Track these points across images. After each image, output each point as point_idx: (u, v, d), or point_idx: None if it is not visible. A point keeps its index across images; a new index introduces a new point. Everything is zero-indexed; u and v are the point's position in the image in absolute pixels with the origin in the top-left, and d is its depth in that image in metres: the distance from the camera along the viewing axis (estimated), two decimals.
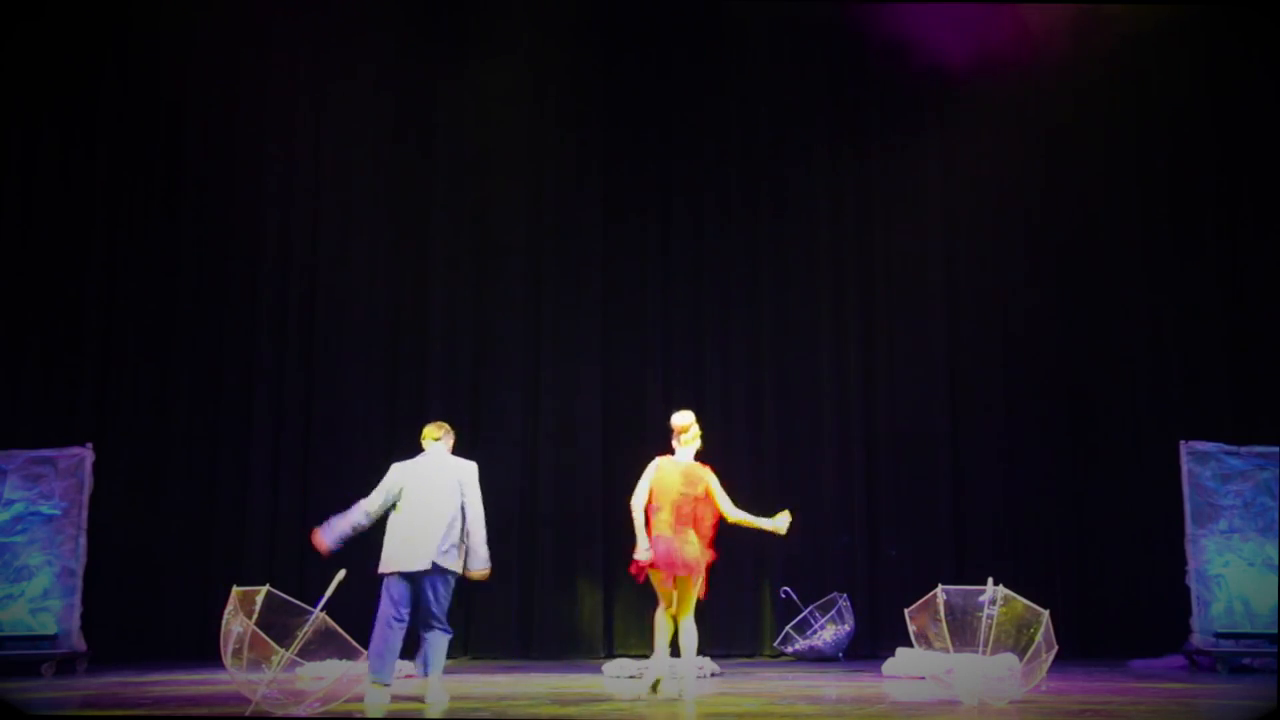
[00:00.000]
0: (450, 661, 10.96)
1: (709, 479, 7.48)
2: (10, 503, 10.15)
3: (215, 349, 11.84)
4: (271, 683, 6.29)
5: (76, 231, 11.63)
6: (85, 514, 10.20)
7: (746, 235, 12.21)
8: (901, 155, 12.16)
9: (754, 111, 12.32)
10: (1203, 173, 11.89)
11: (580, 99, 12.29)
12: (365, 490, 11.51)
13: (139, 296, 11.77)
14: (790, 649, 11.00)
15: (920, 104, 12.20)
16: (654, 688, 7.41)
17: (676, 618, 7.36)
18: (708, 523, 7.41)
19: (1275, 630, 9.46)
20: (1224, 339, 11.65)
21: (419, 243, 12.11)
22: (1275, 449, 10.15)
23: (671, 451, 7.60)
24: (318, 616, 6.38)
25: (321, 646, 6.44)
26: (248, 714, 6.32)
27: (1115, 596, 11.44)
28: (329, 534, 7.25)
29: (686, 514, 7.32)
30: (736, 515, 7.45)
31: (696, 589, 7.32)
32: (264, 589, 6.35)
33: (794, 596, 11.22)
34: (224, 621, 6.35)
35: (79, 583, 10.07)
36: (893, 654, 9.40)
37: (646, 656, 9.98)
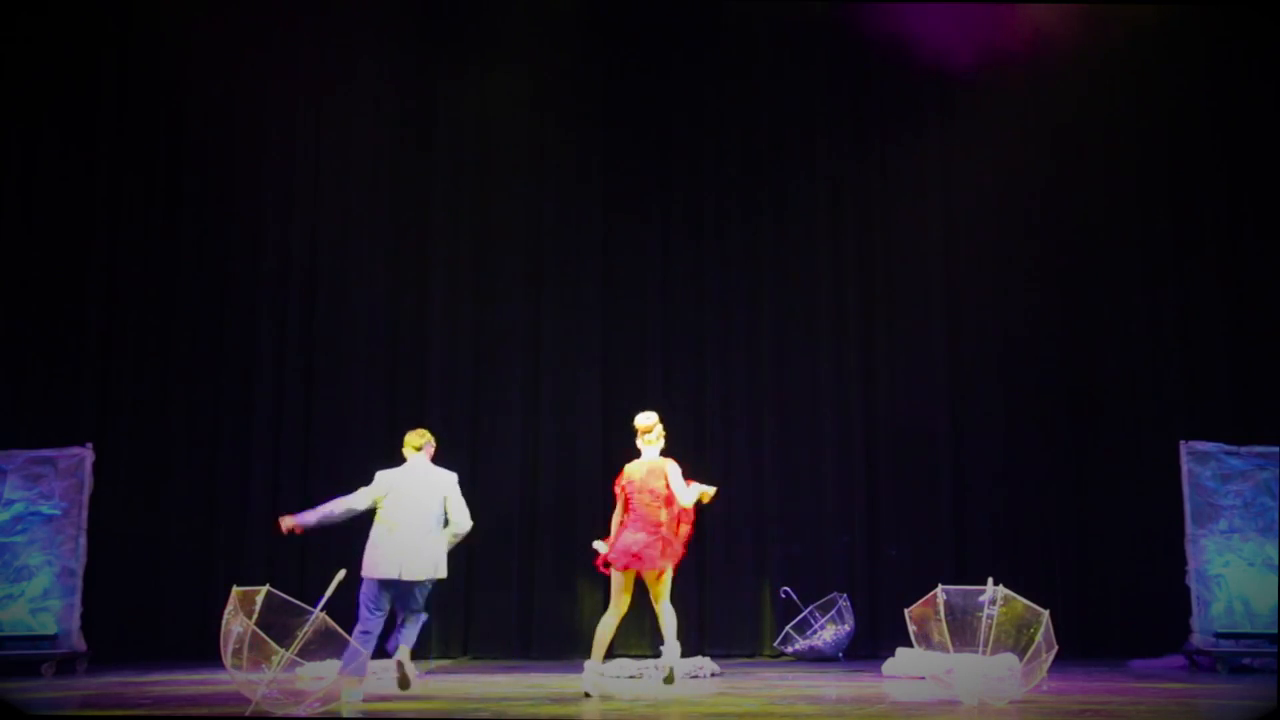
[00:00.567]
0: (450, 661, 11.02)
1: (669, 471, 7.60)
2: (10, 503, 10.15)
3: (215, 349, 11.83)
4: (271, 683, 6.29)
5: (77, 231, 11.63)
6: (85, 514, 10.20)
7: (746, 235, 12.20)
8: (901, 155, 12.16)
9: (754, 111, 12.32)
10: (1203, 172, 11.89)
11: (580, 99, 12.29)
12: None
13: (139, 296, 11.76)
14: (790, 649, 11.00)
15: (920, 104, 12.20)
16: (586, 695, 7.46)
17: (653, 604, 7.58)
18: (674, 517, 7.51)
19: (1275, 630, 9.46)
20: (1224, 339, 11.65)
21: (419, 243, 12.10)
22: (1275, 449, 10.14)
23: (638, 453, 7.81)
24: (318, 616, 6.38)
25: (321, 646, 6.44)
26: (248, 714, 6.32)
27: (1115, 596, 11.43)
28: (300, 518, 7.59)
29: (649, 509, 7.50)
30: (689, 498, 7.49)
31: (664, 581, 7.49)
32: (264, 589, 6.35)
33: (794, 596, 11.22)
34: (224, 621, 6.35)
35: (79, 583, 10.07)
36: (893, 654, 9.40)
37: (647, 657, 10.04)
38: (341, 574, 6.56)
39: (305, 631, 6.33)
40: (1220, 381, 11.56)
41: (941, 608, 6.98)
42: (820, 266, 12.15)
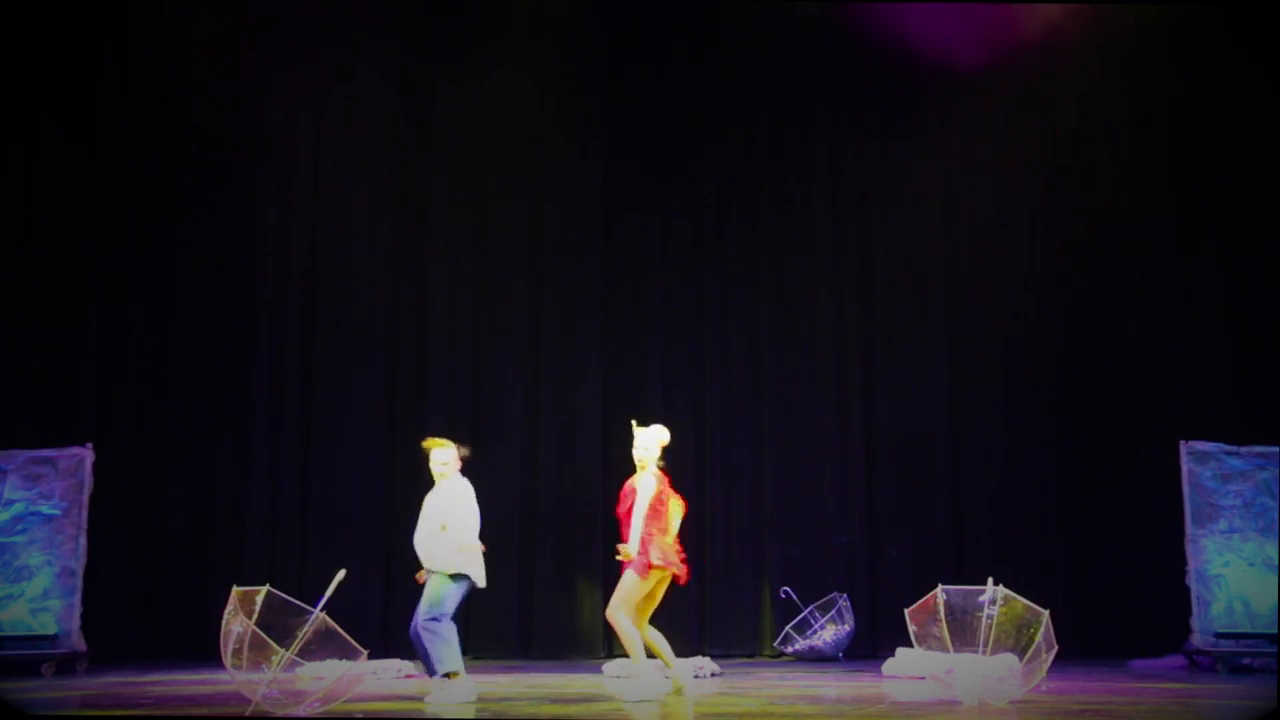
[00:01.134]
0: None
1: (641, 487, 7.67)
2: (10, 503, 10.15)
3: (215, 349, 11.83)
4: (271, 683, 6.29)
5: (77, 231, 11.62)
6: (85, 514, 10.20)
7: (746, 235, 12.20)
8: (902, 155, 12.15)
9: (754, 111, 12.31)
10: (1203, 172, 11.88)
11: (580, 99, 12.28)
12: (365, 490, 11.62)
13: (139, 296, 11.76)
14: (790, 649, 11.00)
15: (920, 104, 12.20)
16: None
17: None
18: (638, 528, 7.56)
19: (1275, 630, 9.46)
20: (1224, 339, 11.65)
21: (419, 243, 12.10)
22: (1275, 449, 10.14)
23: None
24: (318, 616, 6.38)
25: (321, 646, 6.44)
26: (248, 714, 6.32)
27: (1115, 596, 11.44)
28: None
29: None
30: (636, 524, 7.57)
31: (625, 586, 7.57)
32: (264, 589, 6.35)
33: (794, 596, 11.22)
34: (224, 621, 6.35)
35: (79, 583, 10.07)
36: (893, 654, 9.40)
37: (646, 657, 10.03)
38: (342, 574, 6.55)
39: (305, 631, 6.33)
40: (1220, 381, 11.56)
41: (941, 608, 6.98)
42: (820, 266, 12.15)
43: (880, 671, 9.35)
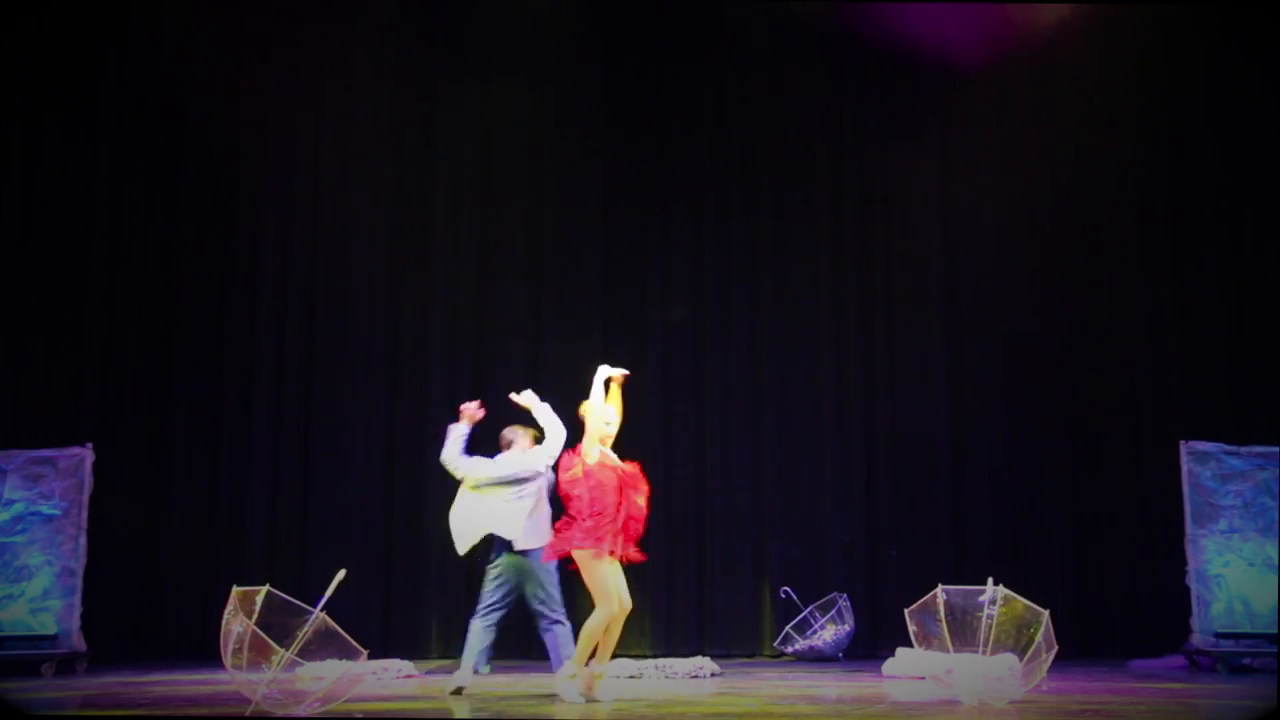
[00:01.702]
0: (450, 661, 10.99)
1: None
2: (10, 503, 10.14)
3: (215, 349, 11.83)
4: (271, 683, 6.29)
5: (77, 231, 11.61)
6: (85, 514, 10.19)
7: (746, 235, 12.19)
8: (901, 155, 12.15)
9: (754, 111, 12.31)
10: (1203, 171, 11.89)
11: (580, 99, 12.28)
12: (365, 489, 11.61)
13: (139, 296, 11.76)
14: (790, 649, 11.00)
15: (920, 104, 12.19)
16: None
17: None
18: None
19: (1275, 630, 9.46)
20: (1224, 339, 11.65)
21: (419, 243, 12.10)
22: (1275, 449, 10.14)
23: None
24: (318, 616, 6.37)
25: (321, 646, 6.43)
26: (248, 714, 6.32)
27: (1115, 596, 11.43)
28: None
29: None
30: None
31: (589, 579, 7.10)
32: (264, 589, 6.35)
33: (794, 596, 11.22)
34: (224, 621, 6.35)
35: (79, 583, 10.06)
36: (893, 654, 9.40)
37: (646, 657, 10.05)
38: (342, 574, 6.55)
39: (305, 631, 6.32)
40: (1220, 381, 11.56)
41: (941, 608, 6.98)
42: (820, 266, 12.14)
43: (880, 671, 9.34)
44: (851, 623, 10.96)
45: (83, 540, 10.14)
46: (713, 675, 9.27)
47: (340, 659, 6.52)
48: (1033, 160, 12.05)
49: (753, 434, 11.89)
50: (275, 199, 12.03)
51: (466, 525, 8.01)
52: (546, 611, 7.89)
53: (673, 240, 12.18)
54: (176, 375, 11.75)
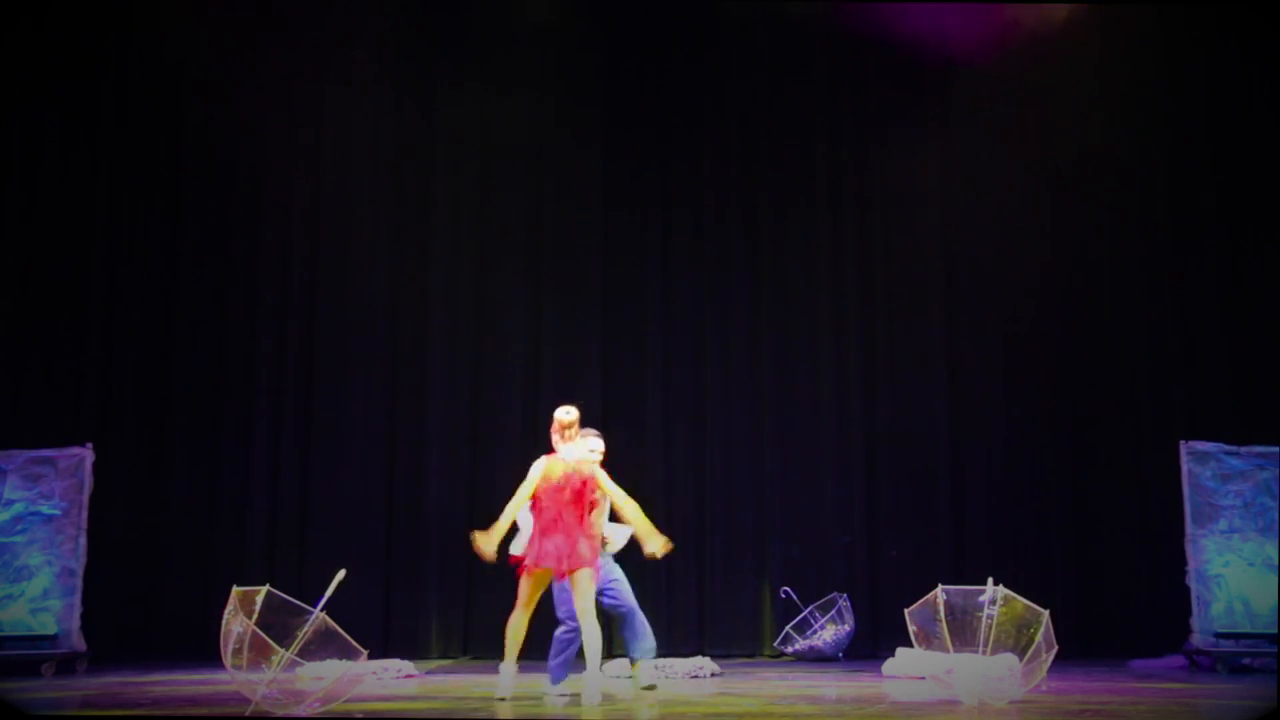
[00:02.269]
0: (450, 661, 11.01)
1: (597, 475, 7.43)
2: (10, 503, 10.14)
3: (215, 349, 11.83)
4: (271, 683, 6.29)
5: (77, 231, 11.62)
6: (85, 514, 10.19)
7: (746, 235, 12.20)
8: (902, 154, 12.14)
9: (754, 111, 12.31)
10: (1203, 171, 11.88)
11: (580, 98, 12.28)
12: (365, 490, 11.61)
13: (139, 297, 11.76)
14: (790, 649, 11.00)
15: (920, 103, 12.19)
16: (501, 699, 7.24)
17: (579, 619, 7.40)
18: (587, 520, 7.31)
19: (1275, 630, 9.46)
20: (1224, 339, 11.64)
21: (419, 242, 12.10)
22: (1275, 449, 10.13)
23: (552, 450, 7.51)
24: (318, 616, 6.37)
25: (321, 646, 6.43)
26: (248, 714, 6.32)
27: (1115, 596, 11.43)
28: None
29: (570, 512, 7.28)
30: (629, 510, 7.37)
31: (589, 587, 7.27)
32: (264, 589, 6.35)
33: (794, 596, 11.22)
34: (224, 621, 6.35)
35: (79, 583, 10.06)
36: (893, 654, 9.40)
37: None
38: (342, 574, 6.55)
39: (305, 631, 6.33)
40: (1220, 381, 11.56)
41: (941, 608, 6.98)
42: (820, 266, 12.14)
43: (880, 671, 9.34)
44: (851, 623, 10.96)
45: (83, 540, 10.14)
46: (713, 675, 9.27)
47: (340, 659, 6.52)
48: (1033, 160, 12.05)
49: (753, 434, 11.88)
50: (276, 199, 12.04)
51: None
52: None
53: (673, 240, 12.18)
54: (176, 375, 11.75)
